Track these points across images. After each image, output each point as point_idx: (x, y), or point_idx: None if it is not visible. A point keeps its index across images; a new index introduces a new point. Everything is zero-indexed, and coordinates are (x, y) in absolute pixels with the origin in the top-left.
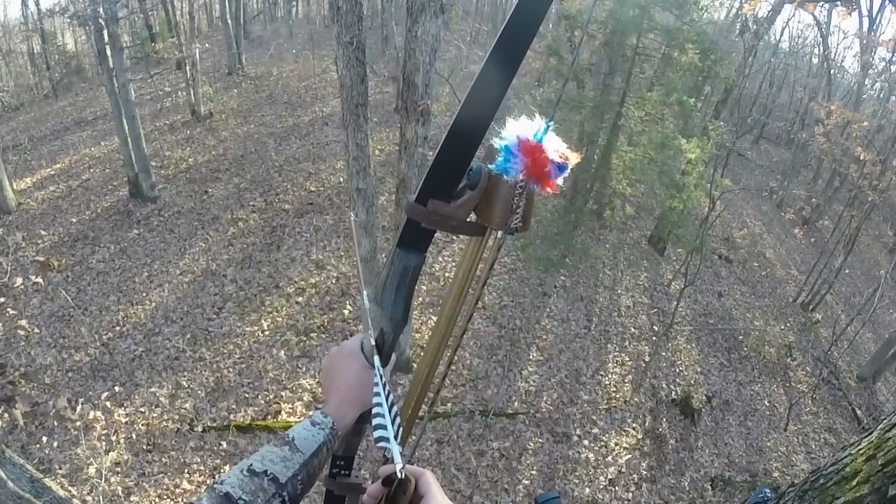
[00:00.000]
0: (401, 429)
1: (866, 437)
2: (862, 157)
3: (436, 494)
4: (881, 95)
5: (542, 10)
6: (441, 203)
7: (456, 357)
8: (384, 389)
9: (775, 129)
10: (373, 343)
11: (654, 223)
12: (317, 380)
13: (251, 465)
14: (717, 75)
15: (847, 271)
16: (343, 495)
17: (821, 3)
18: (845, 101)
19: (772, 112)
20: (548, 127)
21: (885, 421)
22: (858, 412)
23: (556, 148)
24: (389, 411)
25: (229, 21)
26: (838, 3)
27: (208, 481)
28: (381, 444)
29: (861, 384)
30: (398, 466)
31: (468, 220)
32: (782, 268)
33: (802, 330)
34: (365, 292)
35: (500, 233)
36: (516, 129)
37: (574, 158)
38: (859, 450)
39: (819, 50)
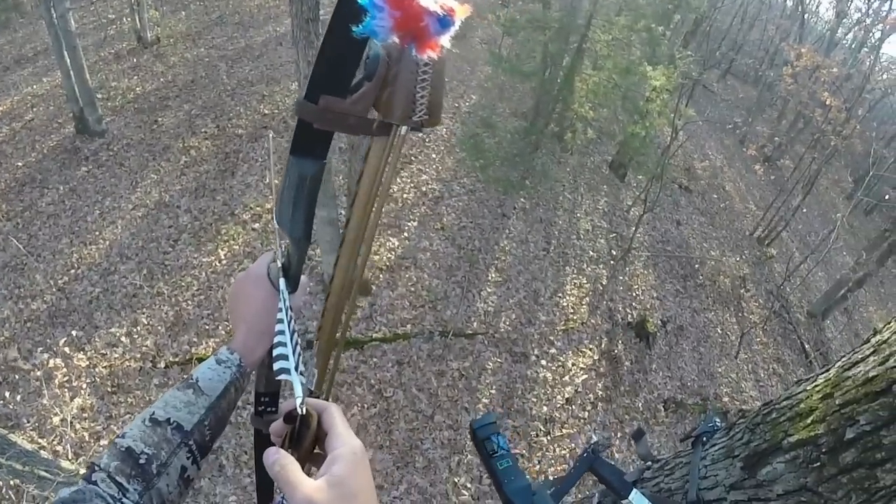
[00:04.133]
0: (301, 358)
1: (823, 373)
2: (828, 103)
3: (340, 431)
4: (853, 46)
5: None
6: (335, 99)
7: (415, 278)
8: (287, 316)
9: (743, 66)
10: (279, 265)
11: (616, 149)
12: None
13: (153, 413)
14: (689, 5)
15: (805, 211)
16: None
17: None
18: (816, 46)
19: (741, 48)
20: None
21: (844, 359)
22: (807, 346)
23: None
24: (291, 339)
25: None
26: None
27: None
28: (282, 376)
29: (811, 320)
30: (298, 401)
31: (369, 117)
32: (741, 202)
33: (757, 263)
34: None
35: (404, 129)
36: None
37: (462, 11)
38: (815, 386)
39: None
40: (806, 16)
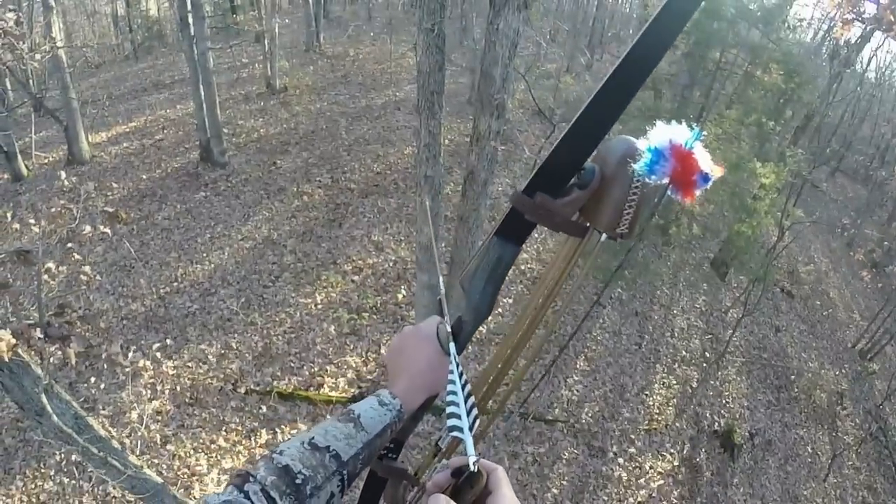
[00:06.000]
0: (477, 420)
1: None
2: None
3: (505, 493)
4: None
5: (681, 25)
6: (548, 198)
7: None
8: (461, 378)
9: (853, 163)
10: (449, 330)
11: (719, 246)
12: (369, 359)
13: (313, 438)
14: (800, 99)
15: None
16: (385, 478)
17: None
18: None
19: (851, 144)
20: (699, 135)
21: None
22: None
23: (704, 158)
24: (465, 401)
25: None
26: None
27: (244, 441)
28: (455, 433)
29: None
30: (472, 459)
31: (573, 220)
32: (845, 310)
33: (857, 379)
34: (441, 278)
35: (603, 236)
36: (668, 132)
37: (718, 172)
38: None
39: None
40: None
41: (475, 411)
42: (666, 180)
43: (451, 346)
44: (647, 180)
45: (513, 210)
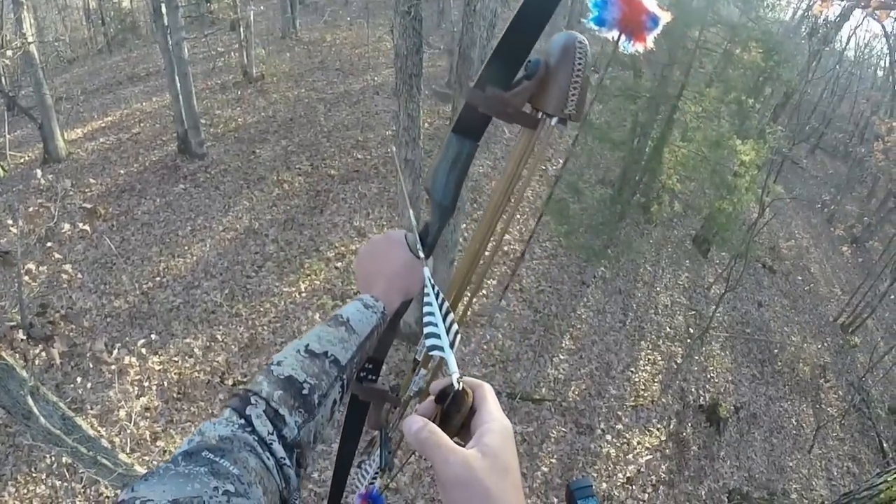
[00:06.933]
0: (458, 336)
1: None
2: None
3: (492, 408)
4: None
5: None
6: (499, 91)
7: (488, 336)
8: (436, 294)
9: (832, 140)
10: (416, 235)
11: (701, 223)
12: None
13: (308, 345)
14: (780, 77)
15: (893, 297)
16: (368, 402)
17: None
18: None
19: (831, 122)
20: None
21: None
22: (885, 445)
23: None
24: (444, 318)
25: None
26: None
27: None
28: (435, 352)
29: (892, 416)
30: (455, 377)
31: (524, 111)
32: (826, 285)
33: (839, 352)
34: (411, 211)
35: (554, 120)
36: None
37: (665, 16)
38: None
39: (885, 62)
40: None
41: (455, 327)
42: (616, 31)
43: (427, 271)
44: (598, 30)
45: (466, 105)
